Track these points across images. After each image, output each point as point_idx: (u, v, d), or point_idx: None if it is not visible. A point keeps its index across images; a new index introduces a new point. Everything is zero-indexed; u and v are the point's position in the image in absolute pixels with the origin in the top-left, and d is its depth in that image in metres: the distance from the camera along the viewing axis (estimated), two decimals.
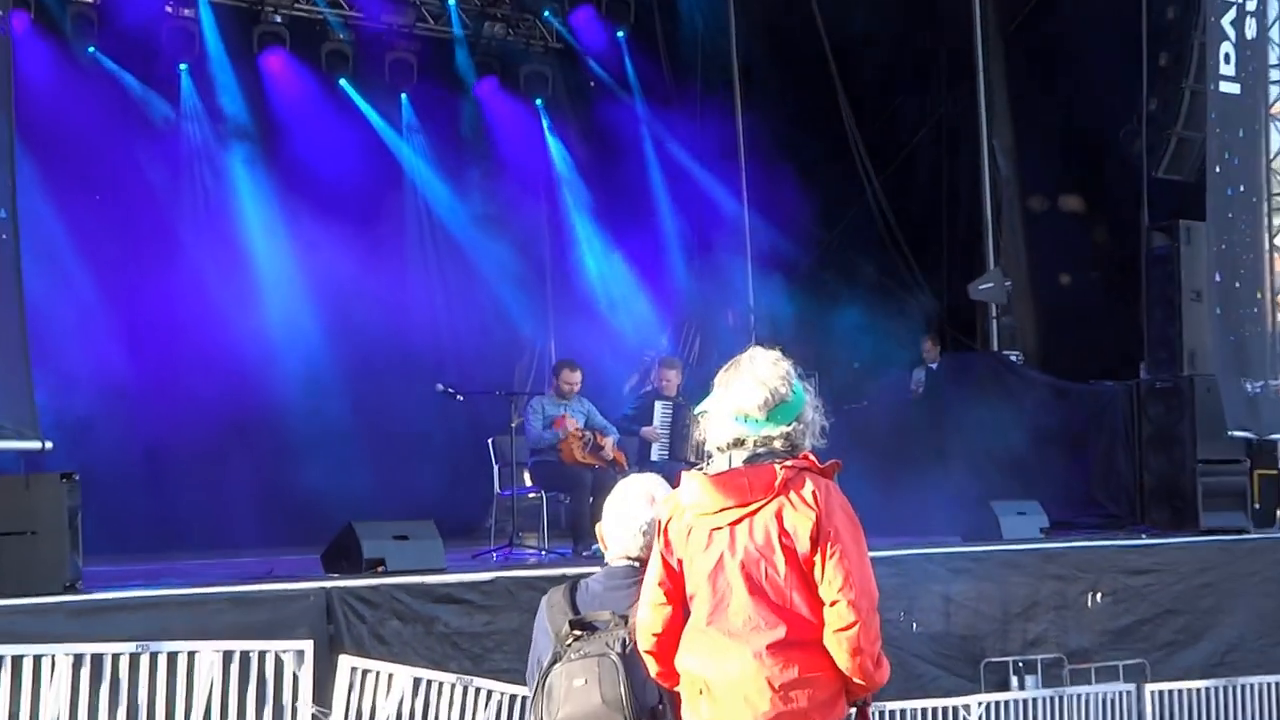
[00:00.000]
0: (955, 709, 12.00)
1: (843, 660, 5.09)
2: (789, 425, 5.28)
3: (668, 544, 5.35)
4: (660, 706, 5.50)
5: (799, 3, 19.72)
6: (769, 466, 5.19)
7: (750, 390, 5.26)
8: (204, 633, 9.64)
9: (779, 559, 5.12)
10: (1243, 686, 13.97)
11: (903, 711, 11.19)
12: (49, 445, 10.69)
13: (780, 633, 5.08)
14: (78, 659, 8.96)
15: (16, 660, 8.79)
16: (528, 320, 21.05)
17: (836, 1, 19.48)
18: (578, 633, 5.64)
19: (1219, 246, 16.67)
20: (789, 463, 5.21)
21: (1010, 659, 13.87)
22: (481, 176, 20.64)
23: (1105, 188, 18.49)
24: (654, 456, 14.67)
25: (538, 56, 21.24)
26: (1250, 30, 17.01)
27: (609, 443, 14.73)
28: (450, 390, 15.98)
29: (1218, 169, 16.67)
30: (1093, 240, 18.89)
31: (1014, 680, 13.72)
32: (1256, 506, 16.84)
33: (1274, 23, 17.61)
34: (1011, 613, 14.17)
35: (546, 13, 20.82)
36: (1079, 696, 13.26)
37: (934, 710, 11.66)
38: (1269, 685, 14.20)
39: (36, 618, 9.58)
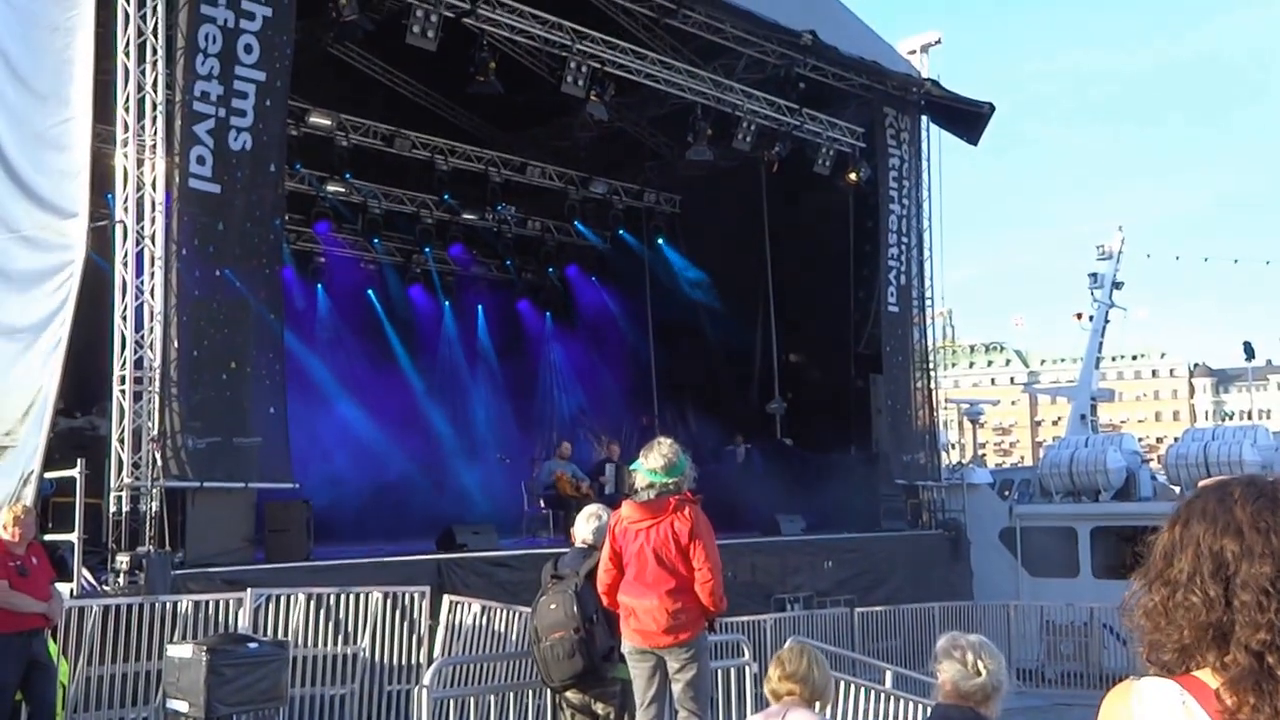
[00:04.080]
0: (757, 622, 12.36)
1: (704, 599, 5.72)
2: (678, 477, 5.78)
3: (614, 538, 5.81)
4: (594, 616, 5.91)
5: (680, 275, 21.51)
6: (667, 499, 5.72)
7: (658, 459, 5.79)
8: (374, 581, 10.11)
9: (672, 546, 5.68)
10: (902, 610, 15.52)
11: (730, 623, 10.38)
12: (297, 485, 11.51)
13: (672, 584, 5.68)
14: (308, 595, 9.42)
15: (277, 596, 9.26)
16: (540, 421, 21.77)
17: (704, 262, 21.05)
18: (554, 580, 6.21)
19: (890, 387, 18.55)
20: (677, 497, 5.75)
21: (786, 596, 15.34)
22: (514, 351, 21.94)
23: (832, 356, 19.51)
24: (606, 492, 15.29)
25: (547, 290, 22.56)
26: (900, 280, 18.82)
27: (583, 485, 15.88)
28: (503, 458, 17.96)
29: (888, 348, 18.57)
30: (826, 382, 19.78)
31: (788, 607, 14.86)
32: (909, 518, 18.55)
33: (914, 276, 19.00)
34: (787, 571, 15.76)
35: (550, 269, 22.15)
36: (821, 615, 14.51)
37: (743, 623, 11.50)
38: (917, 609, 15.58)
39: (288, 573, 10.22)
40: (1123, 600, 1.69)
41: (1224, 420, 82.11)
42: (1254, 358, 40.52)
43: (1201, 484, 1.74)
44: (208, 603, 9.00)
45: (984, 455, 58.94)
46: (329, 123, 16.59)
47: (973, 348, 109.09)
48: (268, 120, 11.35)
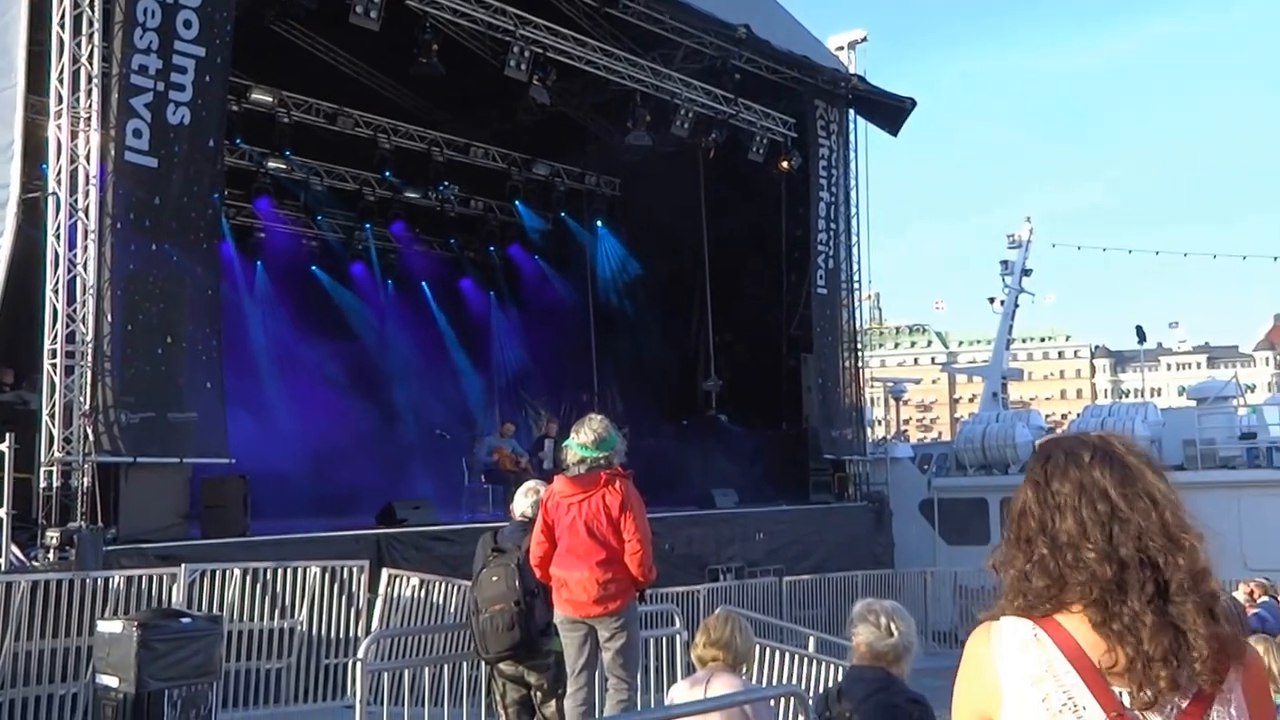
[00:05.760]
0: (690, 592, 12.08)
1: (634, 569, 5.62)
2: (608, 452, 5.67)
3: (546, 511, 5.71)
4: (535, 590, 5.86)
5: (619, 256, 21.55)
6: (599, 473, 5.62)
7: (588, 434, 5.69)
8: (312, 556, 9.77)
9: (603, 518, 5.57)
10: (828, 578, 15.62)
11: (665, 594, 10.74)
12: (233, 460, 11.00)
13: (603, 555, 5.57)
14: (244, 570, 9.04)
15: (213, 571, 8.88)
16: (481, 398, 21.30)
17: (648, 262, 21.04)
18: (495, 554, 6.09)
19: (820, 366, 18.53)
20: (608, 471, 5.64)
21: (719, 566, 15.32)
22: (461, 327, 21.43)
23: (765, 336, 19.52)
24: (545, 467, 14.95)
25: (491, 268, 21.87)
26: (829, 264, 18.94)
27: (523, 460, 15.78)
28: (443, 434, 17.30)
29: (818, 329, 18.57)
30: (759, 361, 19.58)
31: (721, 577, 14.94)
32: (836, 491, 18.67)
33: (842, 260, 19.07)
34: (720, 543, 15.72)
35: (491, 248, 21.54)
36: (752, 585, 14.39)
37: (677, 594, 11.38)
38: (841, 577, 15.72)
39: (225, 548, 9.95)
40: (992, 558, 1.79)
41: (1121, 398, 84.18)
42: (1145, 341, 41.53)
43: (1041, 444, 1.82)
44: (140, 578, 8.55)
45: (906, 431, 59.74)
46: (271, 99, 16.08)
47: (897, 329, 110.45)
48: (207, 95, 10.96)
